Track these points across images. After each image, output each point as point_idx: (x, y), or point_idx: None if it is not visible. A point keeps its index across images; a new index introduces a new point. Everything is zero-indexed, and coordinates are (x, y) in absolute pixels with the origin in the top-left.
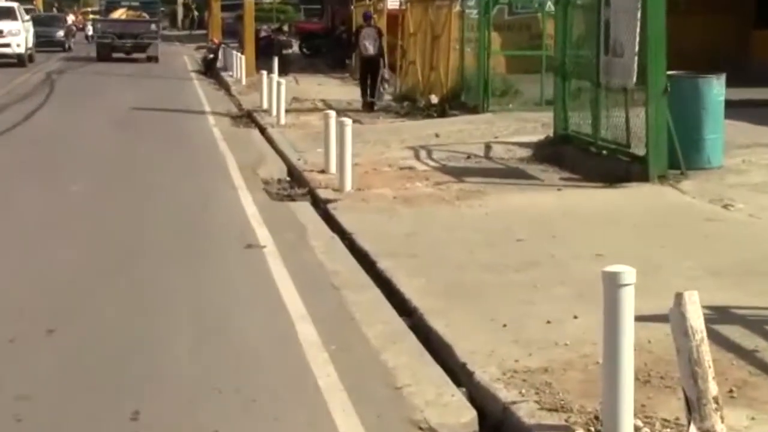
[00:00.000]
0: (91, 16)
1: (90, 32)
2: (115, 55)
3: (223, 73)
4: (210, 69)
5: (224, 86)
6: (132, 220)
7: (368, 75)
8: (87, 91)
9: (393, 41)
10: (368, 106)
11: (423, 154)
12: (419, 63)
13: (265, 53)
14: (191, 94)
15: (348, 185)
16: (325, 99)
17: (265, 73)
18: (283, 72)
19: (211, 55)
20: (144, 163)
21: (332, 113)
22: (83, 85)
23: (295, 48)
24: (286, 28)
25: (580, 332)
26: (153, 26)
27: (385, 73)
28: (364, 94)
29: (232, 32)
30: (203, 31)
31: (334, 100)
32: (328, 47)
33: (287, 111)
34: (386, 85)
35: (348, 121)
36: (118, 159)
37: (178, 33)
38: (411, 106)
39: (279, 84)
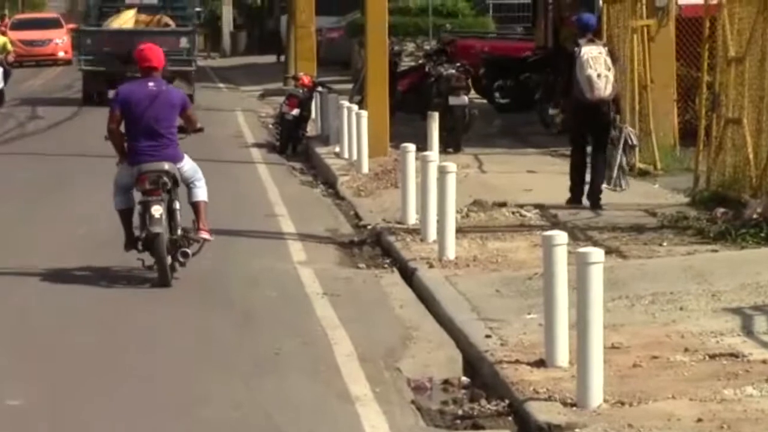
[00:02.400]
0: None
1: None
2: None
3: (321, 150)
4: (292, 139)
5: (324, 176)
6: None
7: (590, 137)
8: (44, 187)
9: (688, 73)
10: (594, 204)
11: (762, 323)
12: (750, 123)
13: (409, 104)
14: (255, 196)
15: (595, 395)
16: (541, 204)
17: (409, 148)
18: (450, 145)
19: (295, 112)
20: (172, 360)
21: (558, 236)
22: (39, 177)
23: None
24: (447, 47)
25: None
26: (185, 41)
27: (630, 133)
28: (576, 184)
29: (337, 60)
30: (272, 57)
31: (564, 205)
32: (547, 90)
33: (460, 231)
34: (630, 158)
35: (594, 253)
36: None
37: (223, 62)
38: (730, 216)
39: (443, 172)
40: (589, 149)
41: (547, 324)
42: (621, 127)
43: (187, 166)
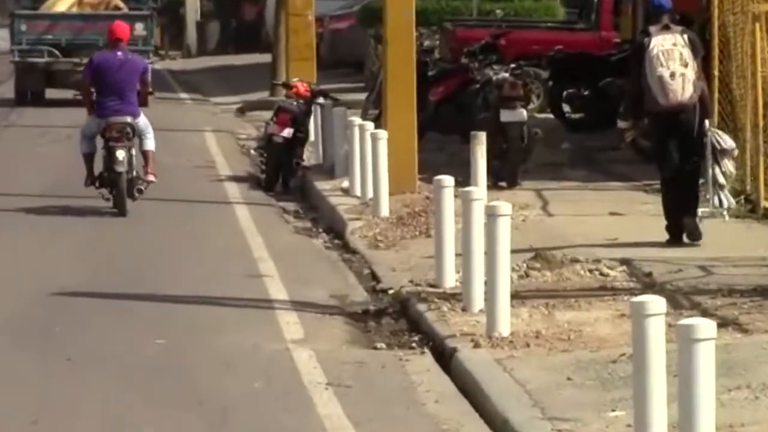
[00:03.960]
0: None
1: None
2: (53, 94)
3: (324, 185)
4: (284, 171)
5: (328, 222)
6: None
7: (675, 153)
8: None
9: None
10: (693, 235)
11: None
12: None
13: (445, 121)
14: (233, 249)
15: None
16: (629, 258)
17: (446, 182)
18: (502, 178)
19: (287, 133)
20: None
21: (653, 302)
22: None
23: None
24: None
25: None
26: (140, 27)
27: (717, 136)
28: (671, 217)
29: (345, 61)
30: (255, 57)
31: (660, 258)
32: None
33: (517, 296)
34: (725, 167)
35: (703, 326)
36: None
37: (186, 64)
38: None
39: (493, 215)
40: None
41: (638, 424)
42: (706, 131)
43: (142, 121)
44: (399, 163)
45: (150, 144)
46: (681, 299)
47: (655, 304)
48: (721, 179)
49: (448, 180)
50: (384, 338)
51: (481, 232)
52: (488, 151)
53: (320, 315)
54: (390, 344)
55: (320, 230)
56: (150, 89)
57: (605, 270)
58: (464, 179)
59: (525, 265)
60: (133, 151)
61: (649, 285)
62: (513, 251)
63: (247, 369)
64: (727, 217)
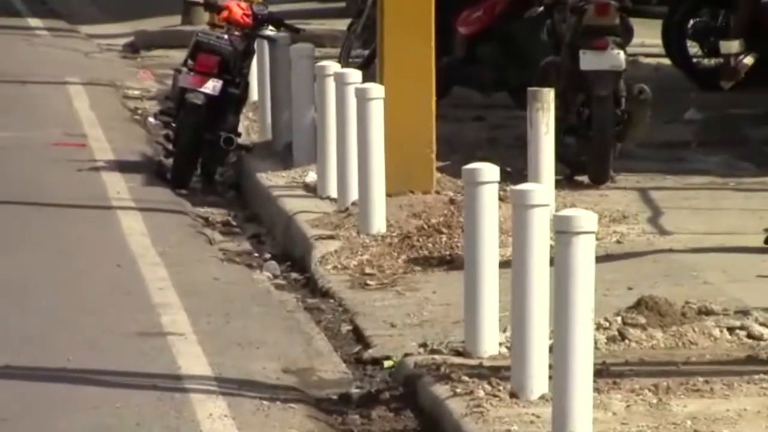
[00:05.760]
0: None
1: None
2: None
3: (274, 178)
4: (206, 154)
5: (282, 242)
6: None
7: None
8: None
9: None
10: None
11: None
12: None
13: (482, 69)
14: (119, 286)
15: None
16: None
17: (484, 174)
18: (583, 167)
19: (210, 88)
20: None
21: None
22: None
23: None
24: None
25: None
26: None
27: None
28: None
29: None
30: None
31: None
32: None
33: (605, 371)
34: None
35: None
36: None
37: None
38: None
39: (566, 232)
40: None
41: None
42: None
43: None
44: (404, 142)
45: None
46: None
47: None
48: None
49: (489, 170)
50: None
51: (546, 260)
52: (559, 122)
53: (265, 403)
54: None
55: (267, 257)
56: None
57: (757, 328)
58: (516, 170)
59: (620, 318)
60: None
61: None
62: (600, 294)
63: None
64: None
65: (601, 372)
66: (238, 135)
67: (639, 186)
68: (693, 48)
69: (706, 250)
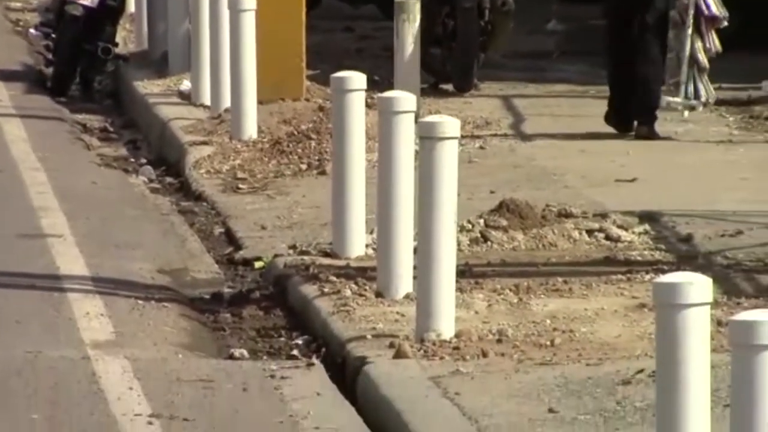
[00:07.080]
0: None
1: None
2: None
3: (150, 86)
4: (84, 64)
5: (156, 147)
6: None
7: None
8: None
9: None
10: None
11: None
12: None
13: None
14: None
15: None
16: (656, 211)
17: (353, 82)
18: (449, 75)
19: (86, 5)
20: None
21: (688, 285)
22: None
23: None
24: None
25: None
26: None
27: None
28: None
29: None
30: None
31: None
32: None
33: (468, 271)
34: (708, 43)
35: None
36: None
37: None
38: None
39: (431, 138)
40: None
41: None
42: None
43: None
44: (275, 51)
45: None
46: (736, 278)
47: (697, 288)
48: (703, 61)
49: (356, 79)
50: (247, 341)
51: (411, 165)
52: (424, 33)
53: (140, 302)
54: (256, 351)
55: (143, 162)
56: None
57: (615, 231)
58: (383, 78)
59: (482, 221)
60: None
61: (688, 256)
62: (463, 198)
63: (22, 395)
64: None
65: (463, 272)
66: (116, 45)
67: (502, 94)
68: None
69: (567, 154)
